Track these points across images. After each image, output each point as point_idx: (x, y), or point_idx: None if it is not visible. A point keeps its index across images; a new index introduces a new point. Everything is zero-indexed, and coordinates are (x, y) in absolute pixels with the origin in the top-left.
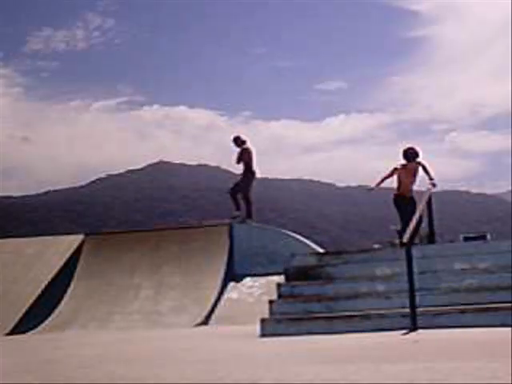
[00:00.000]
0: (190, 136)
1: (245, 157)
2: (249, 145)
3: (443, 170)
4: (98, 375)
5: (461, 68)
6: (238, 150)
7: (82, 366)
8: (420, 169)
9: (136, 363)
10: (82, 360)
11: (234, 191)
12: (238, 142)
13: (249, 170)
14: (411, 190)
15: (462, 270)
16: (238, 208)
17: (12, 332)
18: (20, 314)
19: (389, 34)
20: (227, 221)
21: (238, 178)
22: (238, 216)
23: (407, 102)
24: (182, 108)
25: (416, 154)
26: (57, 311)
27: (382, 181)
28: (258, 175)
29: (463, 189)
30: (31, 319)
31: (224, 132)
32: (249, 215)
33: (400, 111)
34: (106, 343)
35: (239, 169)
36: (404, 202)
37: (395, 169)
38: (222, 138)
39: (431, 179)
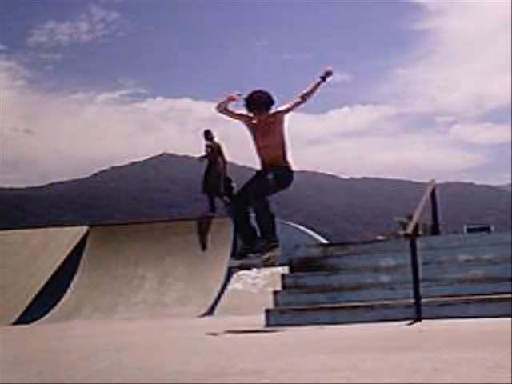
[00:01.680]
0: (193, 128)
1: (214, 151)
2: (217, 140)
3: (447, 162)
4: (103, 364)
5: (464, 60)
6: (206, 143)
7: (86, 355)
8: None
9: (140, 353)
10: (87, 350)
11: (218, 191)
12: (209, 136)
13: (218, 164)
14: (279, 156)
15: (466, 261)
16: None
17: (17, 322)
18: (25, 305)
19: (392, 27)
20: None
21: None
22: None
23: (411, 94)
24: (186, 100)
25: (269, 101)
26: (61, 302)
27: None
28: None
29: (467, 180)
30: (36, 310)
31: (227, 124)
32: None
33: (404, 103)
34: (110, 333)
35: (243, 161)
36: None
37: (241, 114)
38: (225, 131)
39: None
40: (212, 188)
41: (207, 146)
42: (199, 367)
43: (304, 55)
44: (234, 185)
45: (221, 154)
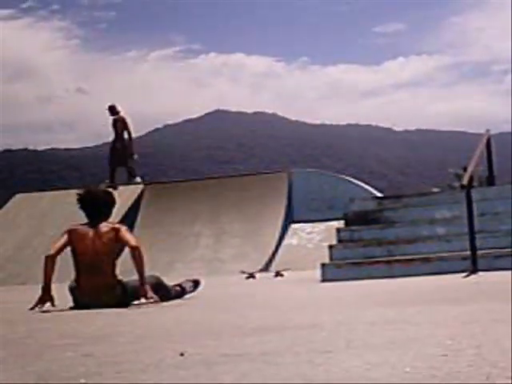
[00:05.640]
0: (247, 83)
1: (119, 125)
2: (123, 114)
3: (503, 112)
4: (164, 319)
5: None
6: (112, 118)
7: (147, 311)
8: None
9: (199, 308)
10: (149, 305)
11: (122, 162)
12: (114, 111)
13: (123, 139)
14: None
15: None
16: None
17: None
18: None
19: None
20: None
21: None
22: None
23: (466, 43)
24: (239, 55)
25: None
26: (119, 260)
27: None
28: (316, 121)
29: None
30: None
31: (281, 79)
32: (134, 174)
33: (459, 53)
34: None
35: (296, 115)
36: None
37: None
38: (279, 85)
39: None
40: (118, 161)
41: (114, 121)
42: (256, 322)
43: (357, 6)
44: (135, 157)
45: (126, 127)
